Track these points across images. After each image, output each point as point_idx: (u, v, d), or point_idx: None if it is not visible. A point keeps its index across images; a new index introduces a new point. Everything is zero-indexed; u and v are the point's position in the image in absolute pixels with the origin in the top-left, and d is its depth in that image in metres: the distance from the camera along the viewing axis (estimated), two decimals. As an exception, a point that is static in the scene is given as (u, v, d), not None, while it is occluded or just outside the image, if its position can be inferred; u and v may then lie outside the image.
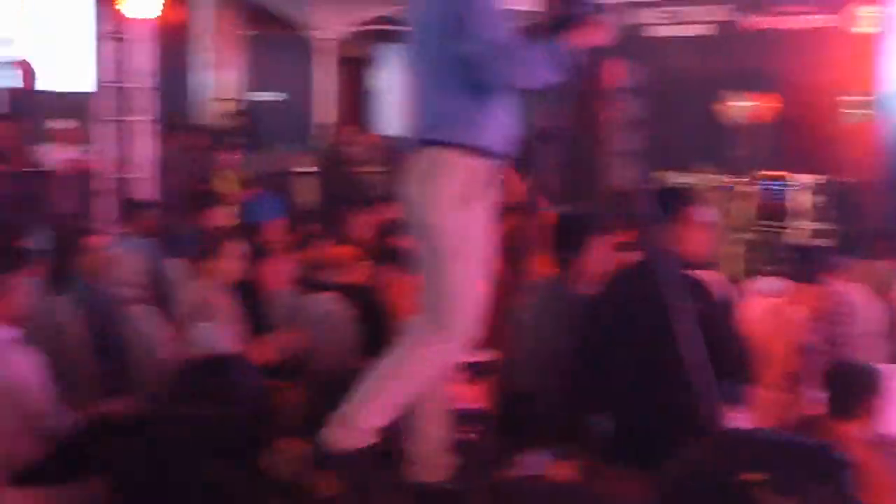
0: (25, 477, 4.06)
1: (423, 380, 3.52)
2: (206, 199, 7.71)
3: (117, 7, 8.39)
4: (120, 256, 6.15)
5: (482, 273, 3.53)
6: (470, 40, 3.38)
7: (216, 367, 3.65)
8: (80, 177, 10.17)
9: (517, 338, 4.30)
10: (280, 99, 21.43)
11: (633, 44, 9.92)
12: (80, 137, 11.00)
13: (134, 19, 8.16)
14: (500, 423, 3.78)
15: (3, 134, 10.23)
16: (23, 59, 14.84)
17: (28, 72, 14.95)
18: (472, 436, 3.84)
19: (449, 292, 3.44)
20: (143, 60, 8.38)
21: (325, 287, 6.03)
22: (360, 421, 3.45)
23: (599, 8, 3.62)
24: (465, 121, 3.48)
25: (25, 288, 4.51)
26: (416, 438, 3.68)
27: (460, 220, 3.45)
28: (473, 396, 4.06)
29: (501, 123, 3.56)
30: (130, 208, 7.65)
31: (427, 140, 3.52)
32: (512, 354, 4.14)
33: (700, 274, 4.02)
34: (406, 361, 3.50)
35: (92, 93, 17.05)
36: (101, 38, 8.60)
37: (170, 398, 3.65)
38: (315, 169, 14.95)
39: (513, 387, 4.10)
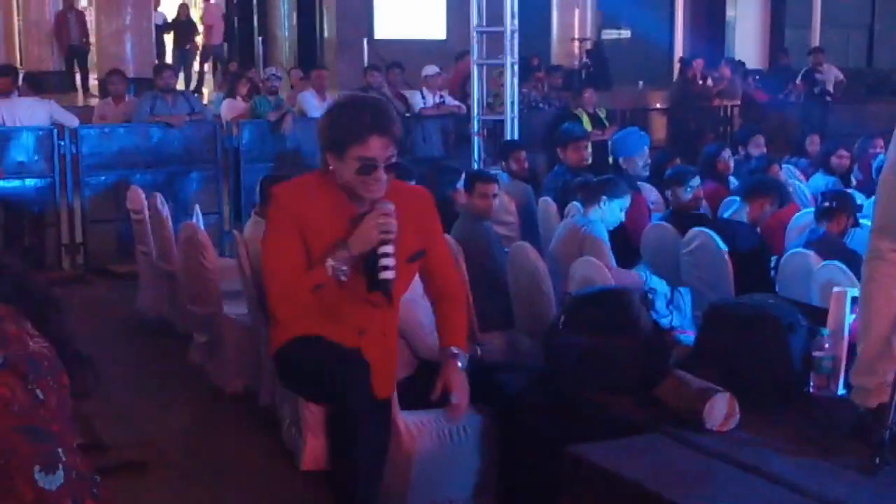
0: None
1: None
2: (567, 138, 7.82)
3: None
4: (499, 196, 6.36)
5: None
6: None
7: (612, 300, 3.74)
8: (447, 120, 10.65)
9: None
10: (630, 35, 21.34)
11: None
12: (442, 83, 11.49)
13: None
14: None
15: (387, 80, 10.91)
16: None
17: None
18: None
19: None
20: (508, 4, 8.63)
21: (697, 222, 6.00)
22: None
23: None
24: None
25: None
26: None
27: None
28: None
29: None
30: (505, 149, 7.90)
31: None
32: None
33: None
34: None
35: (445, 40, 17.80)
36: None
37: (564, 329, 3.76)
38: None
39: None
